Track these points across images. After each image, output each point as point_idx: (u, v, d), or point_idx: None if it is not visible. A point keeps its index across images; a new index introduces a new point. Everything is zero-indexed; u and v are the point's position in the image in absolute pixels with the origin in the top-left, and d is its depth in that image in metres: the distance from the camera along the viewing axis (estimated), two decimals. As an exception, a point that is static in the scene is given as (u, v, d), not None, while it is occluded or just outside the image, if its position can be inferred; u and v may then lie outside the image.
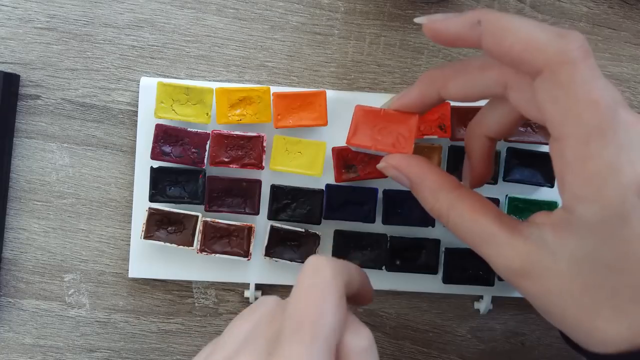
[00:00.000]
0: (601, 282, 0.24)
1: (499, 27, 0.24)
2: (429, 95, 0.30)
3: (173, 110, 0.37)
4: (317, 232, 0.38)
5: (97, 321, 0.40)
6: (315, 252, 0.38)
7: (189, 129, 0.37)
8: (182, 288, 0.40)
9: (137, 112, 0.39)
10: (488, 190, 0.38)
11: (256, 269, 0.39)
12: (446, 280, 0.39)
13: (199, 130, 0.37)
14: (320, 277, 0.23)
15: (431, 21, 0.27)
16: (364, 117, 0.31)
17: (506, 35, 0.24)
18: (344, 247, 0.38)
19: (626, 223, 0.23)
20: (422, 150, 0.38)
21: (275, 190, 0.38)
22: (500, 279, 0.39)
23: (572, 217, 0.24)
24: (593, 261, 0.24)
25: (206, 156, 0.37)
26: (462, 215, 0.27)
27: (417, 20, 0.28)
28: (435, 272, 0.39)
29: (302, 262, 0.38)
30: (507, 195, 0.38)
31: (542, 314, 0.26)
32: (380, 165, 0.30)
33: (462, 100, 0.29)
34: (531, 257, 0.25)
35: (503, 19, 0.24)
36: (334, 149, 0.37)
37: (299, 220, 0.38)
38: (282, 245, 0.38)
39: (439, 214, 0.29)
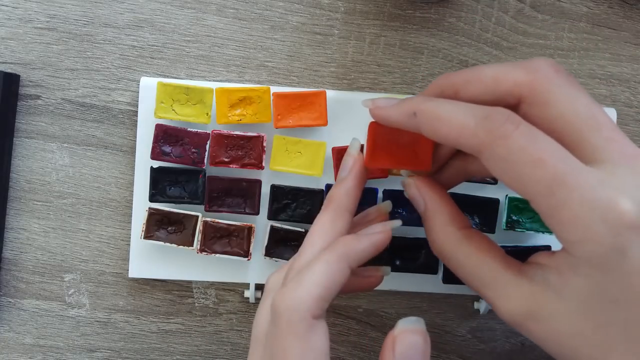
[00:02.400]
0: (611, 318, 0.24)
1: (431, 118, 0.26)
2: None
3: (173, 110, 0.37)
4: (317, 232, 0.38)
5: (97, 321, 0.40)
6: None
7: (189, 129, 0.37)
8: (182, 288, 0.40)
9: (137, 112, 0.39)
10: (488, 190, 0.38)
11: (256, 269, 0.39)
12: (446, 280, 0.38)
13: (199, 130, 0.37)
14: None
15: (376, 107, 0.29)
16: (380, 132, 0.30)
17: (439, 125, 0.26)
18: (344, 247, 0.38)
19: (624, 257, 0.23)
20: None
21: (275, 190, 0.38)
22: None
23: (573, 258, 0.24)
24: (600, 298, 0.24)
25: (206, 156, 0.37)
26: (468, 255, 0.28)
27: (363, 103, 0.30)
28: (435, 272, 0.39)
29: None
30: (507, 195, 0.38)
31: (552, 356, 0.26)
32: (404, 181, 0.31)
33: None
34: (538, 299, 0.25)
35: (435, 110, 0.26)
36: (334, 149, 0.37)
37: (299, 220, 0.38)
38: (282, 245, 0.38)
39: (442, 249, 0.29)
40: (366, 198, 0.38)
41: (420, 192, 0.30)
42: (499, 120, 0.24)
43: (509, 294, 0.26)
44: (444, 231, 0.29)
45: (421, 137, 0.30)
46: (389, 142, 0.30)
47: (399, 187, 0.38)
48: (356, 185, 0.31)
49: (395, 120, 0.28)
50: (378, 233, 0.29)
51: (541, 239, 0.39)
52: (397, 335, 0.27)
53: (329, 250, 0.27)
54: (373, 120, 0.30)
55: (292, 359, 0.25)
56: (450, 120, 0.25)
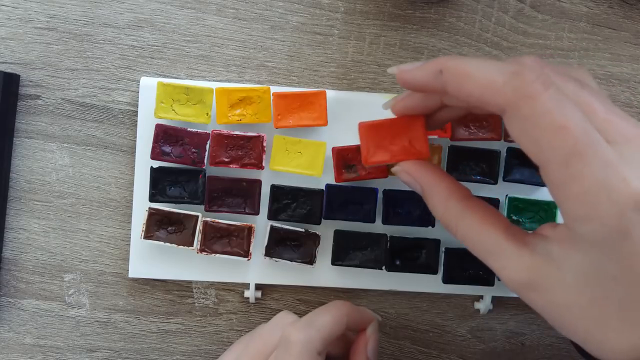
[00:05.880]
0: (608, 294, 0.24)
1: (458, 75, 0.26)
2: (431, 100, 0.30)
3: (173, 110, 0.37)
4: (317, 232, 0.38)
5: (97, 321, 0.40)
6: (315, 253, 0.38)
7: (189, 129, 0.37)
8: (182, 288, 0.40)
9: (137, 112, 0.39)
10: (488, 190, 0.38)
11: (256, 269, 0.39)
12: (446, 280, 0.39)
13: (199, 130, 0.37)
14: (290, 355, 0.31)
15: (401, 71, 0.28)
16: (371, 132, 0.31)
17: (465, 81, 0.25)
18: (344, 247, 0.38)
19: (627, 239, 0.22)
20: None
21: (275, 190, 0.38)
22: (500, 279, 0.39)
23: (574, 234, 0.24)
24: (598, 274, 0.24)
25: (206, 156, 0.37)
26: (471, 226, 0.27)
27: (389, 70, 0.30)
28: (435, 272, 0.39)
29: (302, 262, 0.38)
30: (507, 195, 0.38)
31: (552, 325, 0.26)
32: (395, 169, 0.31)
33: (466, 107, 0.29)
34: (538, 270, 0.25)
35: (461, 65, 0.26)
36: (334, 149, 0.37)
37: (299, 220, 0.38)
38: (282, 245, 0.38)
39: (448, 223, 0.28)
40: (366, 198, 0.38)
41: (412, 176, 0.30)
42: (529, 78, 0.24)
43: (511, 264, 0.26)
44: (445, 206, 0.28)
45: (413, 125, 0.30)
46: (382, 139, 0.30)
47: (399, 187, 0.38)
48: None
49: (420, 81, 0.28)
50: (372, 315, 0.35)
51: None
52: (369, 336, 0.34)
53: (336, 307, 0.33)
54: (361, 121, 0.31)
55: None
56: (477, 76, 0.25)
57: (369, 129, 0.31)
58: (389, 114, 0.31)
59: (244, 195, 0.38)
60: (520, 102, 0.24)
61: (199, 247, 0.37)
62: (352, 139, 0.38)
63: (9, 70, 0.39)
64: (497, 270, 0.26)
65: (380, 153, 0.31)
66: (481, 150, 0.38)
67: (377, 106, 0.39)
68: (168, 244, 0.37)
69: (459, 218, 0.28)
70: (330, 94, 0.38)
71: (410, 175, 0.30)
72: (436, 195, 0.29)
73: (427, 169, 0.30)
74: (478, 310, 0.40)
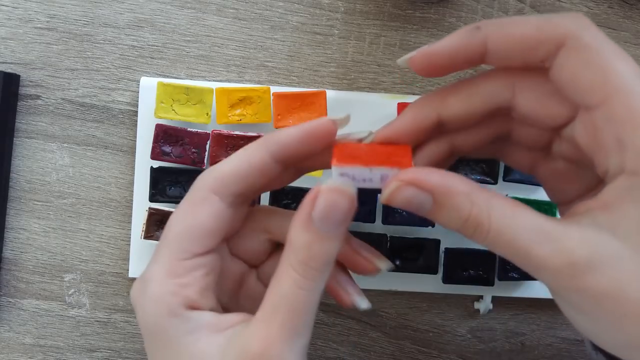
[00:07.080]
0: None
1: (503, 23, 0.24)
2: (425, 117, 0.26)
3: (173, 110, 0.37)
4: (317, 232, 0.38)
5: (97, 321, 0.40)
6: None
7: (189, 129, 0.37)
8: (182, 288, 0.40)
9: (137, 112, 0.39)
10: (488, 190, 0.38)
11: (256, 269, 0.39)
12: (446, 280, 0.39)
13: (199, 130, 0.37)
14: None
15: (421, 50, 0.25)
16: (345, 151, 0.26)
17: (514, 26, 0.24)
18: (344, 247, 0.38)
19: None
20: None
21: (275, 190, 0.38)
22: (500, 279, 0.39)
23: (631, 180, 0.22)
24: None
25: (206, 156, 0.37)
26: (505, 215, 0.23)
27: (400, 61, 0.26)
28: (435, 272, 0.38)
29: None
30: (507, 195, 0.38)
31: (600, 322, 0.22)
32: (390, 188, 0.24)
33: (464, 117, 0.26)
34: (594, 245, 0.22)
35: (503, 18, 0.25)
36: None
37: (299, 220, 0.38)
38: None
39: (478, 220, 0.23)
40: (366, 198, 0.38)
41: (418, 184, 0.24)
42: (578, 14, 0.24)
43: (562, 245, 0.22)
44: (470, 201, 0.23)
45: (397, 152, 0.26)
46: (359, 154, 0.26)
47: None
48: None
49: (453, 46, 0.25)
50: (310, 123, 0.27)
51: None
52: (323, 190, 0.25)
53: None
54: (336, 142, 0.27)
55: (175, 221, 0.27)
56: (526, 19, 0.24)
57: (343, 148, 0.26)
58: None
59: (244, 195, 0.38)
60: (582, 30, 0.23)
61: (199, 247, 0.37)
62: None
63: (9, 70, 0.39)
64: (545, 258, 0.22)
65: (351, 158, 0.25)
66: (481, 150, 0.38)
67: (377, 106, 0.39)
68: (168, 244, 0.37)
69: (490, 209, 0.23)
70: (330, 94, 0.38)
71: (416, 183, 0.24)
72: (457, 194, 0.24)
73: (431, 171, 0.24)
74: (478, 310, 0.40)
